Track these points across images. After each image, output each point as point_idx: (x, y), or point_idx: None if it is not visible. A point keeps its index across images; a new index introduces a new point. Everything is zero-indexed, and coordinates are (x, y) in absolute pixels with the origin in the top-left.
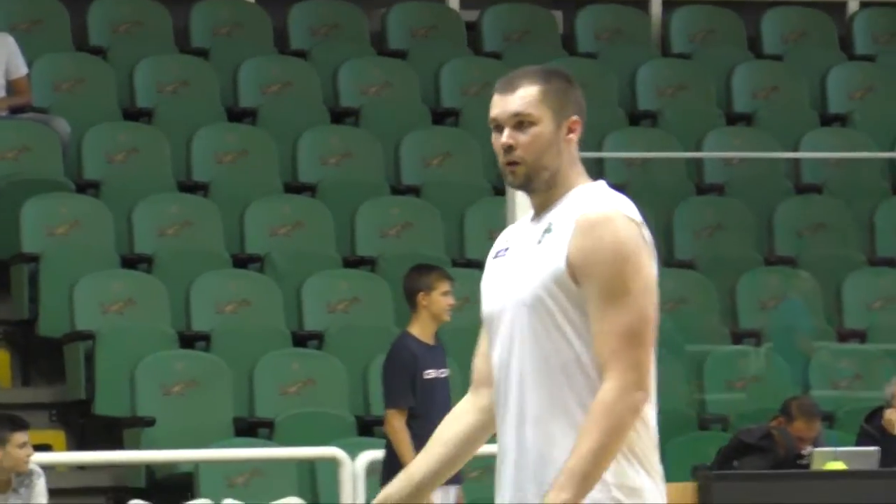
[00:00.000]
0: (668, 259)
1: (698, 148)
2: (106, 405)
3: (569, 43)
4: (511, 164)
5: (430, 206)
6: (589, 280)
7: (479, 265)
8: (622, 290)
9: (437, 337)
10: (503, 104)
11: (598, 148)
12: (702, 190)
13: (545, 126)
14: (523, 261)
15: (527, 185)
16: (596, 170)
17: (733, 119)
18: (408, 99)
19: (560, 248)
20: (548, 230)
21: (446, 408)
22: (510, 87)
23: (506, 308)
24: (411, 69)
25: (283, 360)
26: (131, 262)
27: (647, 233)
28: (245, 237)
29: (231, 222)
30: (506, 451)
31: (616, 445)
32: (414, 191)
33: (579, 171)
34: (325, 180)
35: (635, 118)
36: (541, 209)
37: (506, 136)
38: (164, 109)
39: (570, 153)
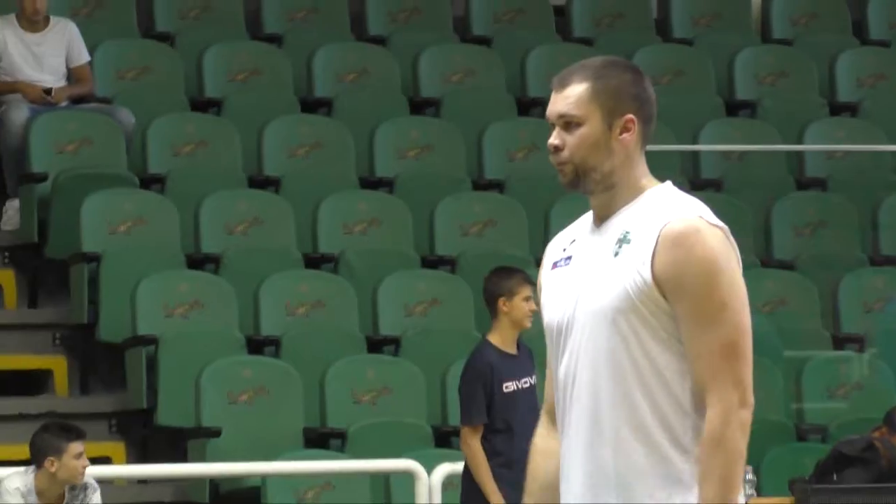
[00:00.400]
0: (766, 258)
1: (799, 140)
2: (169, 415)
3: (663, 28)
4: (559, 164)
5: (515, 201)
6: (681, 298)
7: None
8: (718, 305)
9: (520, 344)
10: (553, 103)
11: (694, 140)
12: (803, 185)
13: (593, 126)
14: (598, 272)
15: (577, 186)
16: (691, 163)
17: (837, 109)
18: (492, 88)
19: (643, 261)
20: (624, 240)
21: (532, 420)
22: (561, 85)
23: (578, 321)
24: (496, 56)
25: (356, 367)
26: (197, 262)
27: (732, 238)
28: (318, 235)
29: (303, 220)
30: (574, 469)
31: (737, 471)
32: (497, 186)
33: (642, 172)
34: (404, 174)
35: (733, 108)
36: (603, 213)
37: (553, 137)
38: (234, 100)
39: (627, 153)
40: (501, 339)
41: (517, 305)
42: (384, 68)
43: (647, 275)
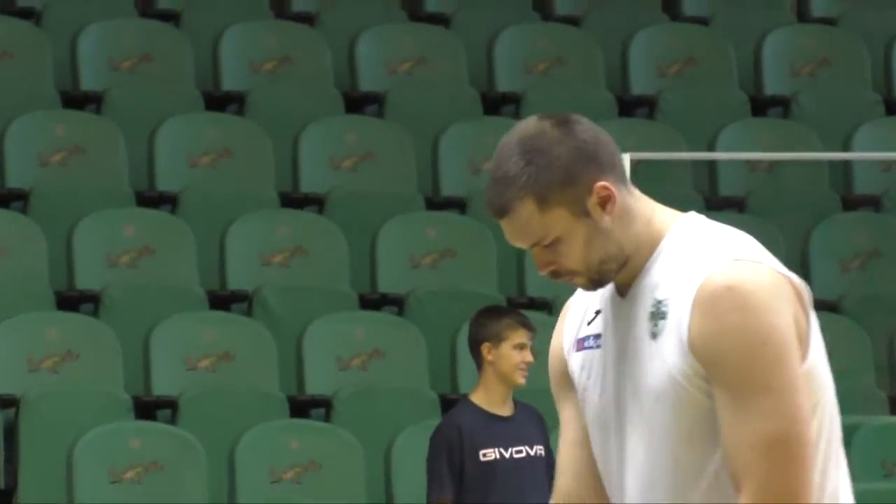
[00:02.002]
0: None
1: (846, 147)
2: (33, 497)
3: (671, 3)
4: (566, 280)
5: (479, 225)
6: (715, 377)
7: None
8: (759, 389)
9: (519, 404)
10: (506, 231)
11: (711, 147)
12: (851, 204)
13: (569, 231)
14: (639, 362)
15: (602, 285)
16: (707, 175)
17: (894, 106)
18: (450, 80)
19: (681, 337)
20: (659, 314)
21: (520, 496)
22: (500, 212)
23: (625, 427)
24: (455, 40)
25: (276, 437)
26: (71, 301)
27: (794, 281)
28: (227, 268)
29: (208, 247)
30: None
31: None
32: (457, 205)
33: (647, 215)
34: (337, 191)
35: (760, 105)
36: (624, 281)
37: (538, 265)
38: (117, 94)
39: (622, 218)
40: (486, 396)
41: (505, 354)
42: (312, 55)
43: (687, 353)
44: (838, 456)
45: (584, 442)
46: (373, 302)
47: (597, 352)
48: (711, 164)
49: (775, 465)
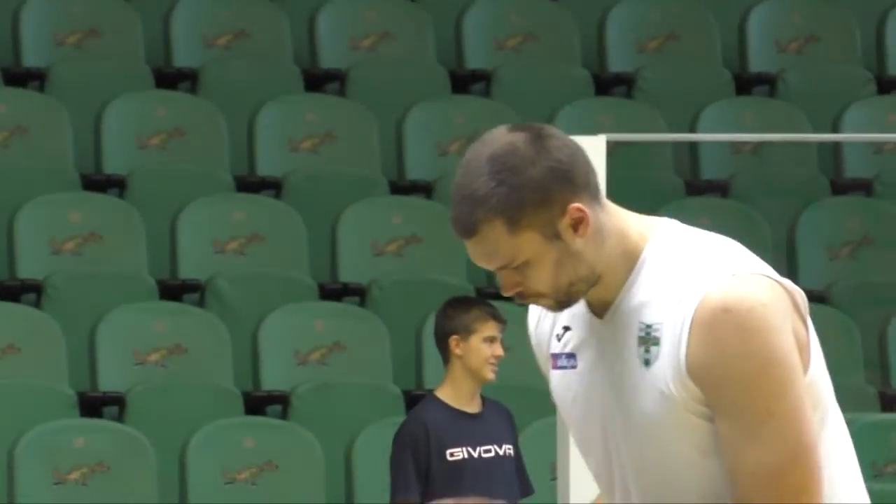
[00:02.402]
0: None
1: (835, 128)
2: None
3: None
4: (532, 302)
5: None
6: (717, 403)
7: None
8: (761, 416)
9: (487, 401)
10: (472, 252)
11: (692, 127)
12: (840, 187)
13: (539, 253)
14: (632, 393)
15: (569, 305)
16: (688, 158)
17: (887, 85)
18: (417, 57)
19: (679, 363)
20: (649, 339)
21: (490, 498)
22: (468, 235)
23: (626, 462)
24: (423, 14)
25: (230, 436)
26: (12, 291)
27: (789, 289)
28: (178, 255)
29: (157, 233)
30: None
31: None
32: (423, 189)
33: (623, 231)
34: (296, 173)
35: (745, 84)
36: (599, 300)
37: (503, 287)
38: (62, 70)
39: (594, 238)
40: (454, 392)
41: (474, 348)
42: (269, 29)
43: (690, 384)
44: (847, 462)
45: None
46: (333, 292)
47: (572, 373)
48: (693, 146)
49: (777, 495)
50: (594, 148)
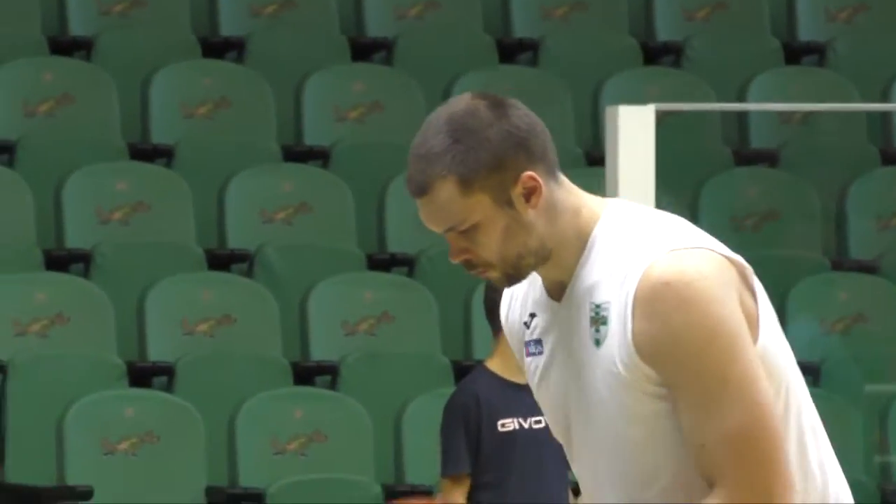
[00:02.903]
0: (839, 259)
1: (885, 97)
2: (20, 470)
3: None
4: (480, 273)
5: None
6: (669, 379)
7: None
8: (715, 385)
9: None
10: (423, 212)
11: (741, 97)
12: (891, 157)
13: (489, 218)
14: (586, 374)
15: (517, 281)
16: (737, 128)
17: None
18: (464, 25)
19: (627, 341)
20: (599, 319)
21: (548, 472)
22: (420, 193)
23: (584, 445)
24: None
25: (279, 406)
26: (60, 261)
27: (736, 262)
28: (226, 226)
29: (206, 204)
30: None
31: None
32: None
33: (575, 209)
34: (343, 143)
35: (794, 53)
36: (554, 281)
37: (451, 251)
38: (107, 39)
39: (546, 211)
40: (504, 363)
41: None
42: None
43: (640, 363)
44: (815, 428)
45: None
46: (381, 262)
47: (540, 359)
48: (742, 116)
49: (745, 461)
50: (642, 117)
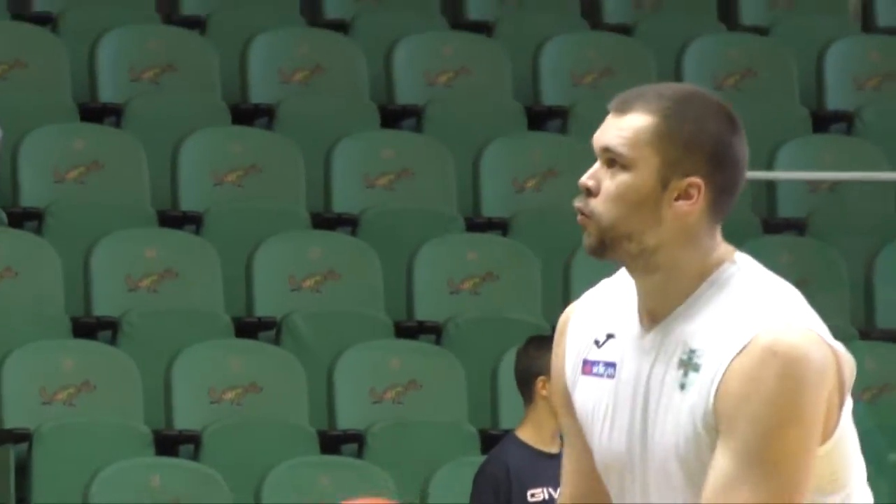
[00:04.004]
0: (867, 328)
1: None
2: None
3: (728, 11)
4: (583, 216)
5: (523, 247)
6: (728, 435)
7: None
8: (766, 464)
9: (563, 440)
10: (603, 129)
11: (769, 164)
12: None
13: (642, 177)
14: (666, 415)
15: (604, 255)
16: (765, 195)
17: None
18: (493, 92)
19: (710, 391)
20: (690, 365)
21: None
22: (620, 109)
23: (646, 480)
24: (499, 48)
25: (306, 474)
26: (88, 328)
27: (839, 354)
28: (254, 293)
29: (234, 271)
30: None
31: None
32: (500, 226)
33: (705, 254)
34: (372, 210)
35: (823, 121)
36: (654, 306)
37: (587, 175)
38: (137, 105)
39: (683, 228)
40: (536, 432)
41: None
42: (346, 64)
43: (711, 419)
44: None
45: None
46: (409, 330)
47: (608, 383)
48: (770, 184)
49: None
50: None
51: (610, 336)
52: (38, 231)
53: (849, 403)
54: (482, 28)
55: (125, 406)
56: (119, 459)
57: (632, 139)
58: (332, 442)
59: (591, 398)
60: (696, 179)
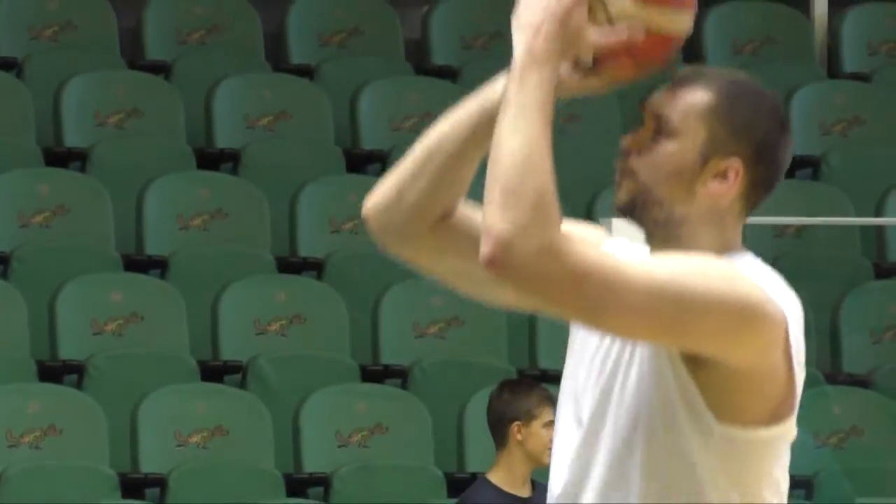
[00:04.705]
0: (833, 372)
1: (879, 211)
2: None
3: (693, 54)
4: (621, 172)
5: None
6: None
7: None
8: (685, 265)
9: (535, 483)
10: (658, 97)
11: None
12: (885, 271)
13: (685, 147)
14: (637, 357)
15: (631, 214)
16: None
17: None
18: None
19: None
20: None
21: None
22: (679, 82)
23: (600, 409)
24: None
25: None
26: (53, 372)
27: (794, 332)
28: (219, 337)
29: (199, 316)
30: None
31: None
32: None
33: (726, 242)
34: (337, 255)
35: (789, 167)
36: None
37: (630, 135)
38: (102, 151)
39: (712, 207)
40: (508, 476)
41: (536, 433)
42: (311, 109)
43: (674, 359)
44: None
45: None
46: (375, 373)
47: None
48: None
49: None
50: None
51: None
52: (4, 275)
53: (794, 420)
54: (447, 73)
55: (91, 449)
56: (85, 502)
57: (683, 109)
58: (298, 485)
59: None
60: (736, 162)
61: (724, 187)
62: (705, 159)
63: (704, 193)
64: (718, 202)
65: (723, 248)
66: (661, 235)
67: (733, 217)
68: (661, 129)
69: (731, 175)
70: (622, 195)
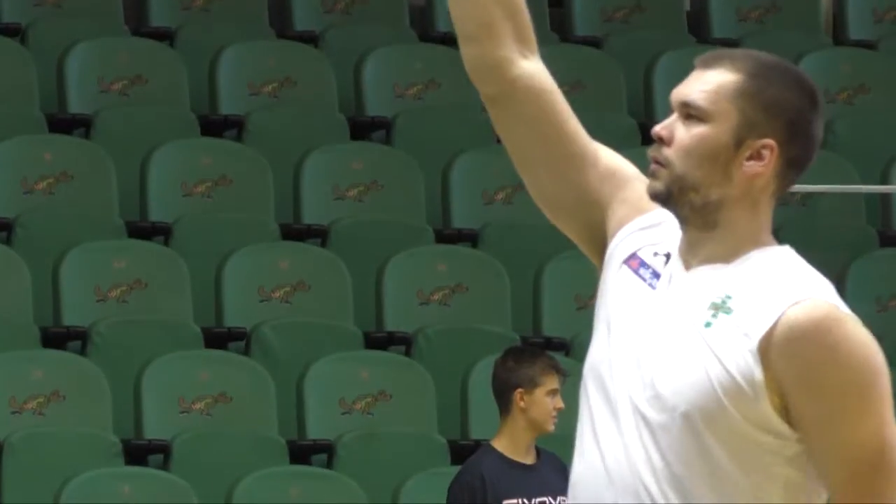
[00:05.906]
0: None
1: (884, 179)
2: None
3: (698, 24)
4: (656, 163)
5: (492, 259)
6: (816, 398)
7: None
8: (868, 411)
9: (542, 451)
10: (685, 83)
11: None
12: (890, 239)
13: (718, 131)
14: (681, 345)
15: (667, 203)
16: None
17: None
18: (461, 104)
19: (748, 349)
20: (722, 307)
21: None
22: (706, 64)
23: (639, 406)
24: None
25: (280, 483)
26: (57, 338)
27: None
28: (223, 305)
29: (203, 283)
30: None
31: None
32: (469, 237)
33: (762, 225)
34: (342, 222)
35: None
36: (694, 257)
37: (661, 125)
38: (105, 117)
39: (748, 189)
40: (511, 443)
41: (539, 401)
42: (315, 76)
43: (756, 371)
44: None
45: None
46: (379, 341)
47: (644, 288)
48: None
49: (878, 480)
50: None
51: (668, 256)
52: (8, 242)
53: None
54: (451, 40)
55: (95, 416)
56: (89, 469)
57: (713, 93)
58: (301, 452)
59: (625, 294)
60: (770, 142)
61: (760, 167)
62: (739, 141)
63: (741, 176)
64: (754, 183)
65: (757, 232)
66: (699, 221)
67: (767, 198)
68: (692, 115)
69: (767, 154)
70: (657, 185)
